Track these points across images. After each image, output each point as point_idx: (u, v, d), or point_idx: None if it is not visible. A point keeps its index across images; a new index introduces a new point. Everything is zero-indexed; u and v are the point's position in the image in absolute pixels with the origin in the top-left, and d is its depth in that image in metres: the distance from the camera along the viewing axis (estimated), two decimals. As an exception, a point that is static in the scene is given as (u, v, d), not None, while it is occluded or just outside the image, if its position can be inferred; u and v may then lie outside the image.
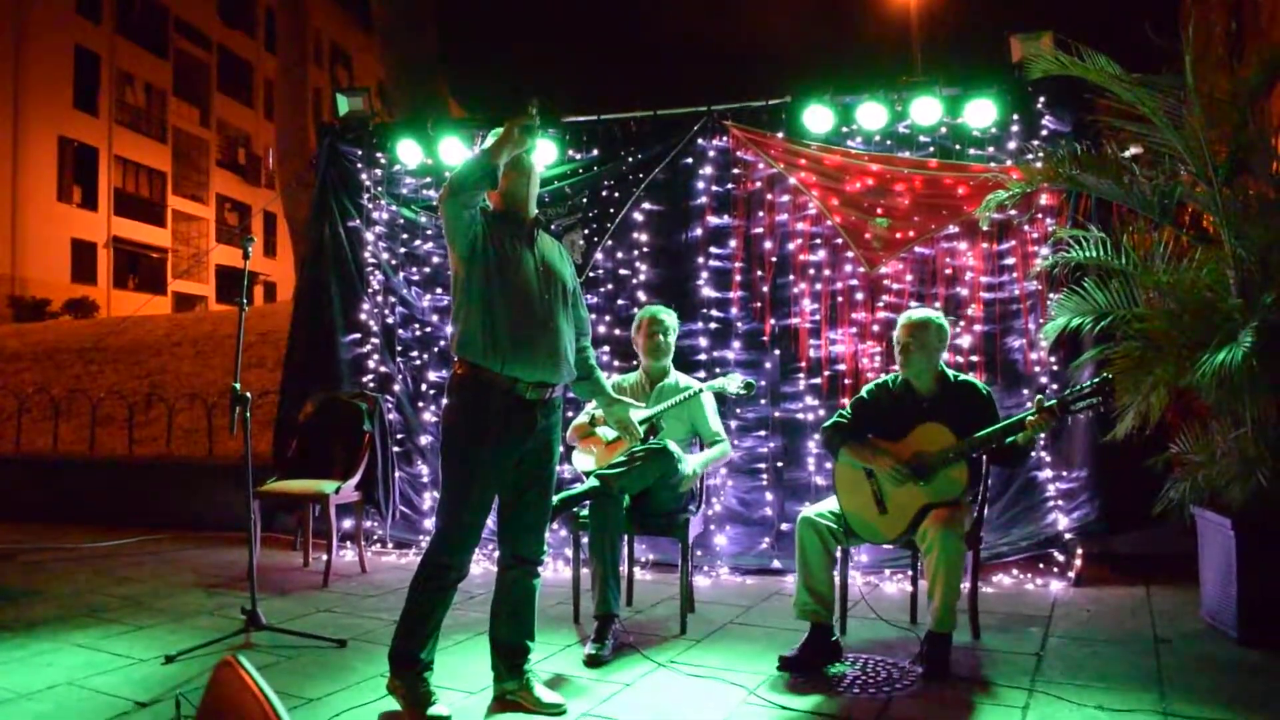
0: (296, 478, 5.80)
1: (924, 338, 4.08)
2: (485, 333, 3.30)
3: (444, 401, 3.61)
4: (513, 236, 3.42)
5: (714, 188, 6.16)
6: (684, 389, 4.71)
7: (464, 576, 3.40)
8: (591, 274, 6.33)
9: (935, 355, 4.11)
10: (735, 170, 6.12)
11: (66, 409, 9.35)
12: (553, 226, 6.06)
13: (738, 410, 5.91)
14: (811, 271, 5.94)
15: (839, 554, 4.10)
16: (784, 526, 5.70)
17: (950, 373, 4.16)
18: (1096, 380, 3.83)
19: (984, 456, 4.08)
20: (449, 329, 3.61)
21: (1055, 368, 5.43)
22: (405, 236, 6.83)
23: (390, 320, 6.78)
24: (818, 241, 5.96)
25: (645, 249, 6.27)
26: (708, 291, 6.10)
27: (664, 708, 3.42)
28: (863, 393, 4.28)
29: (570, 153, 6.42)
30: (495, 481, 3.40)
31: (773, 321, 5.99)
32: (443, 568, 3.35)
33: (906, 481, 3.92)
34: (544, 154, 6.28)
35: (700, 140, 6.19)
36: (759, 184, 6.08)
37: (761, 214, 6.06)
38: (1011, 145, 5.61)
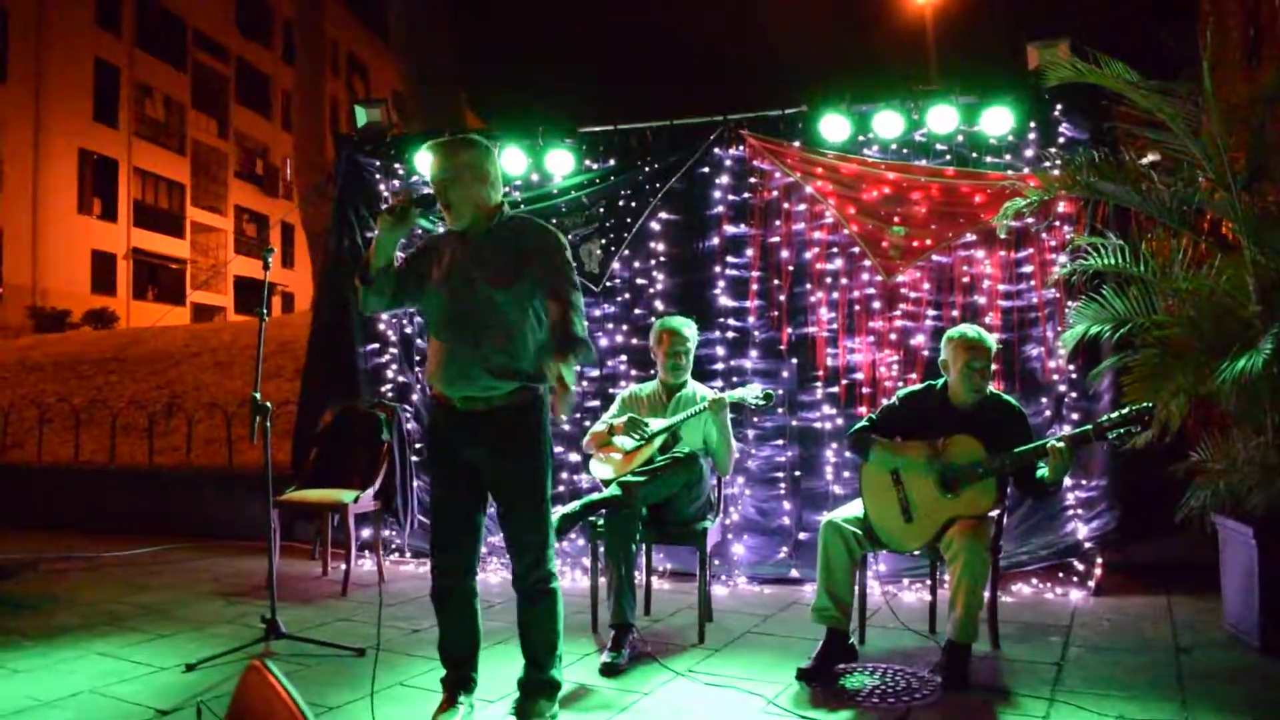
0: (315, 487, 5.82)
1: (987, 359, 4.07)
2: (429, 354, 3.41)
3: None
4: (453, 252, 3.33)
5: (730, 197, 6.16)
6: (702, 399, 4.70)
7: (458, 586, 3.37)
8: (609, 283, 6.34)
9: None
10: (752, 179, 6.12)
11: (87, 419, 9.41)
12: (570, 237, 6.06)
13: (755, 419, 5.90)
14: (828, 280, 5.94)
15: (861, 560, 4.09)
16: (802, 536, 5.69)
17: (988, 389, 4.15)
18: (1136, 409, 3.74)
19: (1011, 477, 4.05)
20: None
21: (1074, 376, 5.41)
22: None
23: (408, 330, 6.81)
24: (834, 250, 5.95)
25: (662, 258, 6.28)
26: (725, 300, 6.10)
27: (682, 717, 3.42)
28: (894, 399, 4.27)
29: (587, 163, 6.44)
30: (453, 490, 3.37)
31: (790, 330, 5.98)
32: (433, 574, 3.41)
33: (934, 475, 3.91)
34: (561, 164, 6.31)
35: (717, 150, 6.19)
36: (775, 193, 6.08)
37: (778, 223, 6.05)
38: (1029, 153, 5.58)
